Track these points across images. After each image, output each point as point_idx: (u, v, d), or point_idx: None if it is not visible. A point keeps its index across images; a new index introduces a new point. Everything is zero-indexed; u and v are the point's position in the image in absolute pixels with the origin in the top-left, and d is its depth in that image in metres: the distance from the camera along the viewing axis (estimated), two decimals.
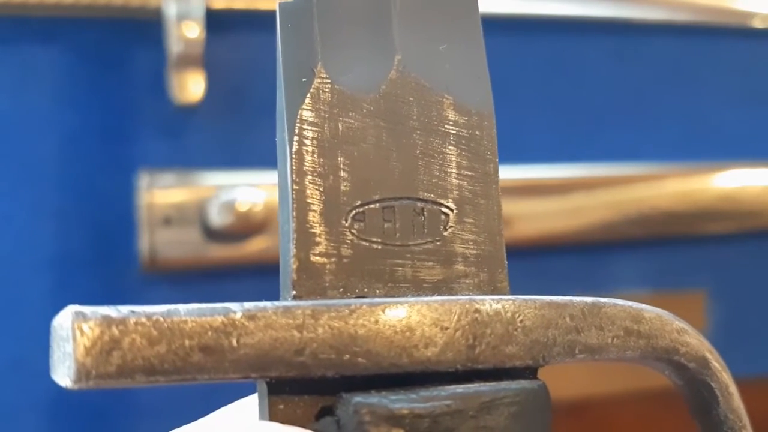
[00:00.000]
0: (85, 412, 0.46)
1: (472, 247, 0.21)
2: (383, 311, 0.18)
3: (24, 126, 0.45)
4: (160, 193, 0.46)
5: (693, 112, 0.58)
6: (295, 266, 0.20)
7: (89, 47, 0.46)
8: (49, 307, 0.45)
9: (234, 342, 0.17)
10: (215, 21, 0.45)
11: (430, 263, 0.20)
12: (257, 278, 0.48)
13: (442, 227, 0.21)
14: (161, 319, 0.17)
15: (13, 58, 0.45)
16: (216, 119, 0.47)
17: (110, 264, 0.46)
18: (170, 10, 0.44)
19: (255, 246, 0.47)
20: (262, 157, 0.48)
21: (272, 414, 0.18)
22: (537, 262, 0.53)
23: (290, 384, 0.18)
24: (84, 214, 0.46)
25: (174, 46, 0.44)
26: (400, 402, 0.18)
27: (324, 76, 0.21)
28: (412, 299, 0.19)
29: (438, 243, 0.21)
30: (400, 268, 0.20)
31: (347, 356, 0.18)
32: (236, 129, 0.48)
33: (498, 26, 0.53)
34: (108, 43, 0.46)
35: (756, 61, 0.59)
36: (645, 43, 0.56)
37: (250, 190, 0.46)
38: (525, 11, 0.52)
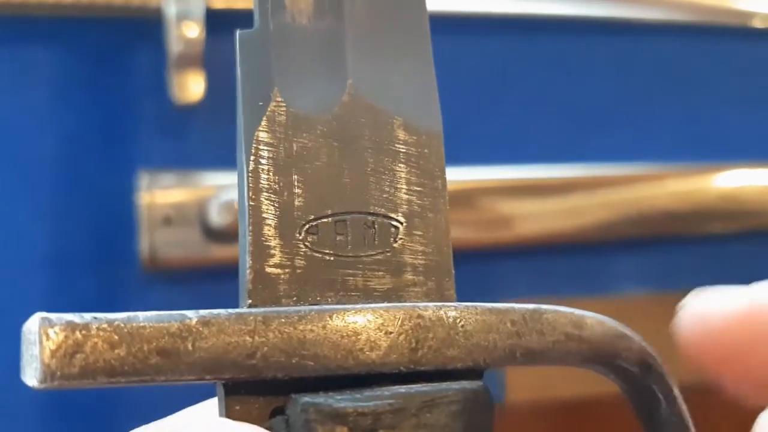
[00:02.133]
0: (85, 413, 0.46)
1: (420, 257, 0.22)
2: (331, 317, 0.20)
3: (24, 126, 0.45)
4: (160, 193, 0.46)
5: (693, 112, 0.58)
6: (250, 277, 0.21)
7: (89, 47, 0.46)
8: (49, 307, 0.45)
9: (189, 346, 0.19)
10: (215, 21, 0.45)
11: (380, 273, 0.22)
12: None
13: (392, 239, 0.22)
14: (122, 324, 0.19)
15: (13, 58, 0.45)
16: (216, 119, 0.47)
17: (110, 264, 0.46)
18: (170, 10, 0.44)
19: None
20: None
21: (229, 414, 0.20)
22: (537, 262, 0.53)
23: (245, 386, 0.20)
24: (84, 214, 0.46)
25: (174, 46, 0.44)
26: (344, 401, 0.19)
27: (279, 99, 0.22)
28: (359, 306, 0.20)
29: (388, 254, 0.22)
30: (352, 278, 0.21)
31: (296, 359, 0.19)
32: (236, 129, 0.48)
33: (498, 26, 0.53)
34: (108, 43, 0.46)
35: (756, 61, 0.59)
36: (645, 43, 0.56)
37: None
38: (525, 11, 0.52)
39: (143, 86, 0.46)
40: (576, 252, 0.54)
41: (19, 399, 0.45)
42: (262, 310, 0.20)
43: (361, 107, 0.22)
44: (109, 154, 0.46)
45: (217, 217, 0.45)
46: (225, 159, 0.48)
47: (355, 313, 0.20)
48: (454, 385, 0.20)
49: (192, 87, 0.45)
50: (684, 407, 0.23)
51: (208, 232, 0.46)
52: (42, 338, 0.19)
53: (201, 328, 0.19)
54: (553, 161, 0.54)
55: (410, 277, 0.22)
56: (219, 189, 0.46)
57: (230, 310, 0.20)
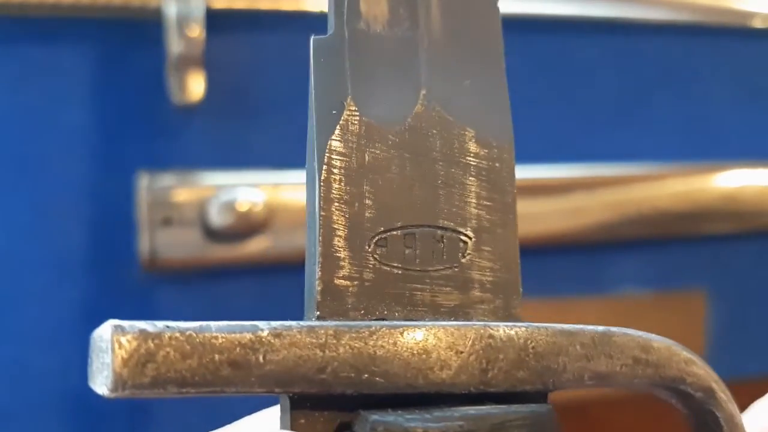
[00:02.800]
0: (85, 412, 0.46)
1: (488, 274, 0.22)
2: (401, 334, 0.19)
3: (24, 126, 0.45)
4: (160, 193, 0.46)
5: (693, 112, 0.58)
6: (319, 288, 0.21)
7: (89, 47, 0.46)
8: (49, 307, 0.45)
9: (260, 358, 0.19)
10: (215, 21, 0.45)
11: (448, 288, 0.21)
12: (257, 278, 0.48)
13: (460, 254, 0.22)
14: (194, 334, 0.18)
15: (13, 58, 0.45)
16: (216, 119, 0.47)
17: (110, 264, 0.46)
18: (170, 10, 0.44)
19: (255, 246, 0.47)
20: (262, 157, 0.48)
21: (293, 427, 0.19)
22: (537, 262, 0.53)
23: (311, 400, 0.19)
24: (84, 214, 0.46)
25: (174, 47, 0.44)
26: (414, 421, 0.19)
27: (353, 108, 0.22)
28: (429, 323, 0.20)
29: (456, 269, 0.22)
30: (419, 293, 0.21)
31: (366, 375, 0.19)
32: (236, 129, 0.48)
33: None
34: (108, 43, 0.46)
35: (756, 61, 0.59)
36: (645, 43, 0.56)
37: (250, 190, 0.46)
38: (525, 11, 0.52)
39: (143, 86, 0.46)
40: (576, 252, 0.54)
41: (19, 399, 0.45)
42: (333, 323, 0.19)
43: (433, 118, 0.22)
44: (109, 154, 0.46)
45: (217, 217, 0.45)
46: (225, 159, 0.48)
47: (426, 330, 0.20)
48: (524, 408, 0.20)
49: (192, 87, 0.45)
50: None
51: (208, 232, 0.46)
52: (114, 346, 0.18)
53: (273, 340, 0.19)
54: (553, 161, 0.54)
55: (478, 293, 0.22)
56: (219, 189, 0.46)
57: (302, 323, 0.19)
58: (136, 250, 0.46)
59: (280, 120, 0.48)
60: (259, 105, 0.48)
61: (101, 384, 0.18)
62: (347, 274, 0.21)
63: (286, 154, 0.47)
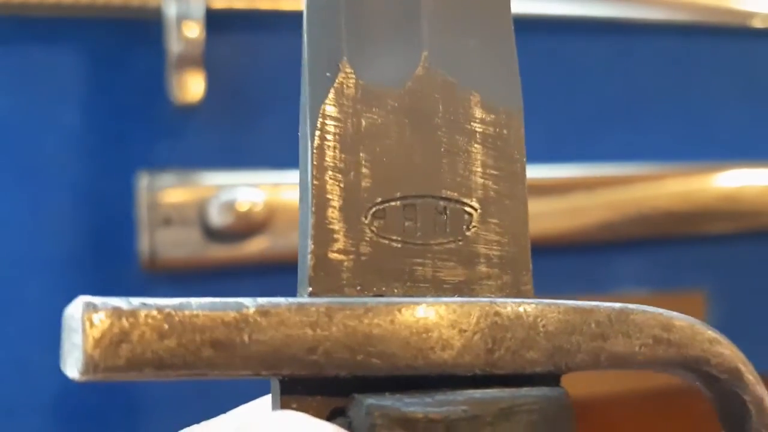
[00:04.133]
0: (85, 412, 0.46)
1: (495, 248, 0.20)
2: (400, 311, 0.18)
3: (24, 126, 0.45)
4: (160, 193, 0.46)
5: (693, 112, 0.58)
6: (312, 263, 0.19)
7: (89, 47, 0.46)
8: (49, 307, 0.45)
9: (246, 338, 0.17)
10: (215, 21, 0.45)
11: (452, 263, 0.20)
12: (257, 278, 0.48)
13: (464, 227, 0.20)
14: (172, 312, 0.17)
15: (13, 58, 0.45)
16: (216, 119, 0.47)
17: (110, 264, 0.46)
18: (170, 10, 0.44)
19: (255, 246, 0.47)
20: (262, 157, 0.48)
21: None
22: (537, 262, 0.53)
23: (303, 383, 0.18)
24: (84, 214, 0.46)
25: (174, 46, 0.44)
26: (414, 405, 0.18)
27: (348, 71, 0.20)
28: (430, 299, 0.18)
29: (460, 243, 0.20)
30: (420, 268, 0.20)
31: (361, 356, 0.18)
32: (236, 129, 0.48)
33: None
34: (108, 43, 0.46)
35: (756, 61, 0.59)
36: (645, 43, 0.56)
37: (250, 190, 0.46)
38: (525, 11, 0.52)
39: (143, 86, 0.46)
40: (576, 252, 0.54)
41: (19, 399, 0.45)
42: (325, 300, 0.18)
43: (435, 81, 0.21)
44: (110, 154, 0.46)
45: (217, 217, 0.45)
46: (225, 159, 0.48)
47: (427, 307, 0.18)
48: (534, 392, 0.18)
49: (192, 87, 0.45)
50: None
51: (208, 232, 0.46)
52: (85, 325, 0.16)
53: (259, 319, 0.17)
54: (553, 161, 0.54)
55: (484, 269, 0.20)
56: (219, 189, 0.46)
57: (291, 299, 0.18)
58: (136, 250, 0.46)
59: (280, 120, 0.48)
60: (259, 105, 0.48)
61: (72, 366, 0.17)
62: (342, 247, 0.19)
63: (286, 154, 0.47)
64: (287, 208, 0.47)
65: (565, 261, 0.54)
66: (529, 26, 0.53)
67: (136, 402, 0.47)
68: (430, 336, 0.18)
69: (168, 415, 0.47)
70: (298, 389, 0.18)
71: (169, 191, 0.46)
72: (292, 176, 0.52)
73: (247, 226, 0.46)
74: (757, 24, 0.58)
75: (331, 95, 0.20)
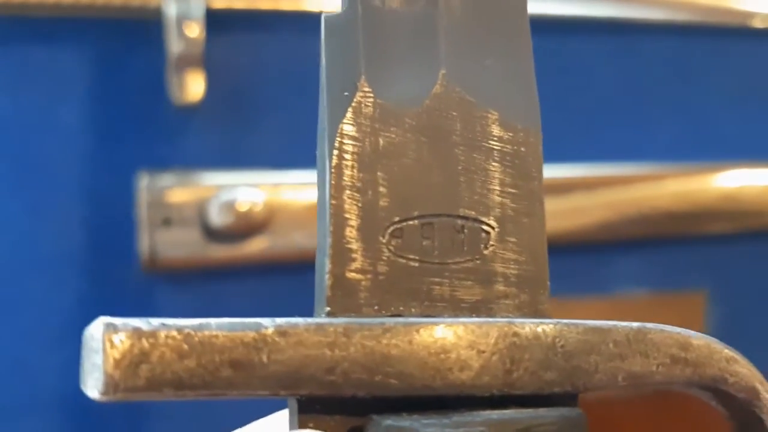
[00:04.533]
0: (86, 412, 0.46)
1: (513, 267, 0.20)
2: (418, 331, 0.18)
3: (24, 126, 0.45)
4: (160, 193, 0.46)
5: (693, 112, 0.58)
6: (329, 282, 0.19)
7: (89, 47, 0.46)
8: (49, 307, 0.45)
9: (264, 358, 0.17)
10: (215, 21, 0.45)
11: (469, 282, 0.20)
12: (257, 278, 0.48)
13: (482, 246, 0.20)
14: (192, 332, 0.17)
15: (13, 58, 0.45)
16: (216, 119, 0.47)
17: (110, 264, 0.46)
18: (170, 10, 0.44)
19: (255, 246, 0.47)
20: (262, 157, 0.48)
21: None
22: None
23: (320, 402, 0.18)
24: (84, 214, 0.46)
25: (174, 46, 0.44)
26: (431, 426, 0.17)
27: (367, 90, 0.20)
28: (448, 320, 0.18)
29: (478, 262, 0.20)
30: (438, 287, 0.20)
31: (379, 377, 0.18)
32: (236, 129, 0.48)
33: None
34: (108, 43, 0.46)
35: (756, 61, 0.59)
36: (645, 43, 0.56)
37: (250, 190, 0.46)
38: None
39: (143, 86, 0.46)
40: (576, 252, 0.54)
41: (19, 399, 0.45)
42: (343, 320, 0.18)
43: (453, 100, 0.21)
44: (109, 154, 0.46)
45: (217, 217, 0.45)
46: (225, 159, 0.48)
47: (445, 327, 0.18)
48: (552, 412, 0.18)
49: (192, 87, 0.45)
50: None
51: (208, 232, 0.46)
52: (106, 346, 0.17)
53: (277, 339, 0.17)
54: (553, 161, 0.54)
55: (501, 288, 0.20)
56: (219, 189, 0.46)
57: (309, 320, 0.18)
58: (136, 250, 0.46)
59: (280, 120, 0.48)
60: (259, 105, 0.48)
61: (92, 387, 0.17)
62: (360, 267, 0.19)
63: (286, 154, 0.47)
64: (287, 208, 0.47)
65: (565, 261, 0.54)
66: (530, 26, 0.53)
67: (137, 402, 0.47)
68: (448, 357, 0.18)
69: (169, 416, 0.47)
70: (315, 408, 0.18)
71: (169, 191, 0.46)
72: (292, 176, 0.52)
73: (247, 226, 0.46)
74: (757, 24, 0.58)
75: (349, 114, 0.20)
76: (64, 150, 0.45)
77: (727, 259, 0.59)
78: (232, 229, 0.46)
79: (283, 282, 0.48)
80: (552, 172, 0.54)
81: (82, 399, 0.49)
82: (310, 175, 0.52)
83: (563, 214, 0.53)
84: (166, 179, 0.46)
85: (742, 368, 0.20)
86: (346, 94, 0.20)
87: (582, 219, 0.54)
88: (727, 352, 0.20)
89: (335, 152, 0.20)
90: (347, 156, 0.20)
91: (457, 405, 0.18)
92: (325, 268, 0.19)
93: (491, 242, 0.20)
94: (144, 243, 0.45)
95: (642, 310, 0.56)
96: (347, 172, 0.20)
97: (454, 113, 0.21)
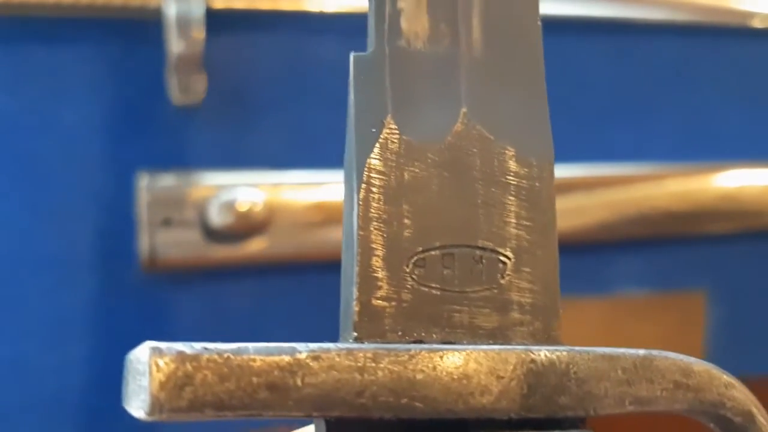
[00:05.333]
0: (86, 412, 0.46)
1: (527, 295, 0.22)
2: (441, 358, 0.19)
3: (23, 126, 0.45)
4: (160, 193, 0.46)
5: (693, 112, 0.58)
6: (357, 309, 0.20)
7: (89, 47, 0.46)
8: (49, 307, 0.45)
9: (299, 381, 0.18)
10: (215, 21, 0.45)
11: (487, 310, 0.21)
12: (257, 278, 0.48)
13: (499, 275, 0.22)
14: (231, 356, 0.18)
15: (13, 58, 0.44)
16: (216, 119, 0.47)
17: (110, 264, 0.46)
18: (170, 10, 0.44)
19: (255, 246, 0.47)
20: (262, 157, 0.48)
21: None
22: None
23: (347, 424, 0.19)
24: (84, 214, 0.46)
25: (174, 47, 0.44)
26: None
27: (393, 127, 0.21)
28: (470, 347, 0.20)
29: (495, 291, 0.21)
30: (458, 314, 0.21)
31: (405, 400, 0.19)
32: (236, 129, 0.48)
33: None
34: (108, 43, 0.46)
35: (756, 61, 0.59)
36: (645, 43, 0.56)
37: (250, 190, 0.46)
38: None
39: (143, 87, 0.46)
40: (576, 252, 0.54)
41: (19, 399, 0.45)
42: (372, 346, 0.19)
43: (473, 137, 0.22)
44: (109, 154, 0.46)
45: (217, 218, 0.45)
46: (225, 159, 0.48)
47: (467, 354, 0.19)
48: None
49: (192, 87, 0.45)
50: None
51: (208, 233, 0.46)
52: (152, 369, 0.18)
53: (311, 363, 0.18)
54: (554, 161, 0.54)
55: (517, 315, 0.22)
56: (219, 189, 0.46)
57: (340, 345, 0.19)
58: (136, 250, 0.46)
59: (280, 120, 0.48)
60: (259, 105, 0.48)
61: (138, 407, 0.18)
62: (385, 294, 0.21)
63: (286, 154, 0.47)
64: (287, 208, 0.47)
65: (565, 261, 0.54)
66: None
67: None
68: (470, 382, 0.19)
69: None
70: (343, 430, 0.19)
71: (169, 191, 0.46)
72: (292, 176, 0.52)
73: (247, 226, 0.46)
74: (757, 24, 0.58)
75: (376, 150, 0.21)
76: (64, 150, 0.45)
77: (727, 259, 0.59)
78: (232, 229, 0.46)
79: (283, 282, 0.48)
80: None
81: (82, 399, 0.49)
82: (310, 175, 0.52)
83: (563, 214, 0.53)
84: (166, 179, 0.46)
85: (738, 393, 0.22)
86: (373, 130, 0.21)
87: (582, 219, 0.54)
88: (726, 377, 0.22)
89: (363, 186, 0.21)
90: (374, 189, 0.21)
91: (477, 427, 0.19)
92: (352, 295, 0.21)
93: (507, 272, 0.22)
94: (144, 243, 0.45)
95: (642, 310, 0.56)
96: (374, 204, 0.21)
97: (474, 149, 0.22)
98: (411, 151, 0.21)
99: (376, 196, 0.21)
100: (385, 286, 0.21)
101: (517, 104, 0.23)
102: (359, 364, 0.18)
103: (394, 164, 0.21)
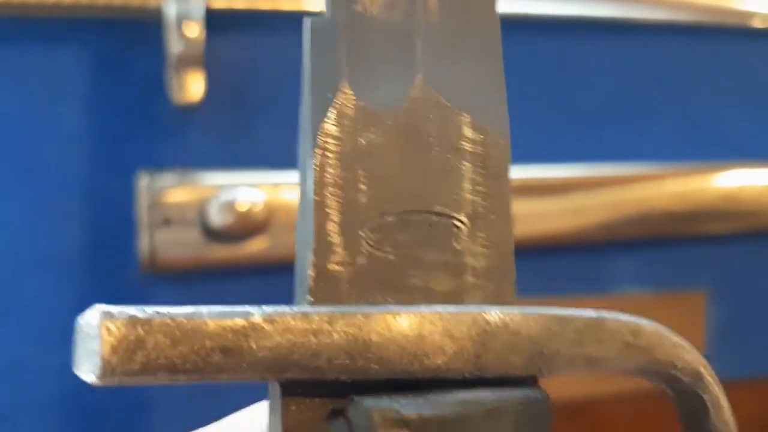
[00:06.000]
0: (86, 412, 0.46)
1: (482, 260, 0.22)
2: (395, 319, 0.19)
3: (24, 126, 0.45)
4: (160, 193, 0.46)
5: (693, 112, 0.58)
6: (313, 274, 0.20)
7: (89, 47, 0.46)
8: (49, 307, 0.45)
9: (253, 345, 0.18)
10: (215, 21, 0.45)
11: (442, 274, 0.21)
12: (257, 278, 0.48)
13: (454, 240, 0.22)
14: (184, 320, 0.18)
15: (13, 58, 0.45)
16: (216, 119, 0.47)
17: (110, 264, 0.46)
18: (170, 10, 0.44)
19: (255, 246, 0.47)
20: (262, 157, 0.48)
21: (284, 414, 0.19)
22: (537, 262, 0.53)
23: (303, 386, 0.19)
24: (84, 214, 0.46)
25: (174, 47, 0.44)
26: (409, 406, 0.19)
27: (348, 92, 0.21)
28: (425, 309, 0.20)
29: (450, 255, 0.21)
30: (413, 279, 0.21)
31: (361, 362, 0.19)
32: (236, 129, 0.48)
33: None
34: (108, 43, 0.46)
35: (756, 61, 0.59)
36: (645, 43, 0.56)
37: (250, 190, 0.46)
38: (525, 11, 0.52)
39: (143, 86, 0.46)
40: (576, 252, 0.54)
41: (19, 399, 0.45)
42: (326, 309, 0.19)
43: (429, 103, 0.22)
44: (109, 154, 0.46)
45: (217, 218, 0.45)
46: (225, 159, 0.48)
47: (422, 316, 0.19)
48: (517, 393, 0.20)
49: (192, 87, 0.45)
50: (731, 417, 0.23)
51: (208, 233, 0.46)
52: (103, 333, 0.18)
53: (265, 326, 0.18)
54: (553, 161, 0.54)
55: (471, 279, 0.22)
56: (219, 189, 0.46)
57: (295, 308, 0.19)
58: (135, 250, 0.46)
59: (280, 120, 0.48)
60: (259, 105, 0.48)
61: (88, 371, 0.18)
62: (340, 259, 0.21)
63: (286, 154, 0.47)
64: (287, 208, 0.47)
65: (565, 261, 0.54)
66: (530, 26, 0.53)
67: (137, 402, 0.47)
68: (424, 343, 0.19)
69: (168, 416, 0.47)
70: (298, 391, 0.19)
71: (169, 191, 0.46)
72: (292, 176, 0.52)
73: (247, 226, 0.46)
74: (757, 24, 0.58)
75: (331, 115, 0.21)
76: (64, 150, 0.45)
77: (727, 259, 0.59)
78: (232, 229, 0.46)
79: (283, 282, 0.48)
80: (552, 172, 0.54)
81: (82, 399, 0.49)
82: None
83: (563, 214, 0.53)
84: (166, 179, 0.46)
85: (687, 354, 0.22)
86: (328, 95, 0.21)
87: (582, 219, 0.54)
88: (675, 338, 0.22)
89: (318, 151, 0.21)
90: (330, 155, 0.21)
91: (431, 386, 0.19)
92: (307, 260, 0.20)
93: (463, 237, 0.22)
94: (144, 243, 0.45)
95: (642, 310, 0.56)
96: (329, 170, 0.21)
97: (430, 116, 0.22)
98: (367, 116, 0.21)
99: (332, 161, 0.21)
100: (341, 251, 0.21)
101: (473, 72, 0.23)
102: (314, 327, 0.19)
103: (349, 130, 0.21)
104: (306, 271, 0.21)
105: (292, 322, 0.18)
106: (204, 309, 0.18)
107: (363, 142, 0.21)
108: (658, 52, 0.56)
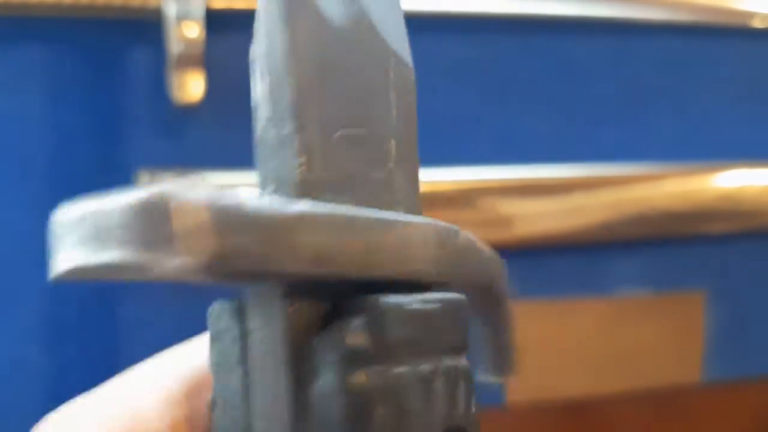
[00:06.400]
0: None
1: (405, 178, 0.24)
2: (401, 228, 0.21)
3: (23, 126, 0.45)
4: None
5: (693, 112, 0.58)
6: (299, 179, 0.22)
7: (89, 47, 0.46)
8: (49, 307, 0.45)
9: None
10: (215, 21, 0.45)
11: (381, 192, 0.23)
12: None
13: (391, 161, 0.24)
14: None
15: (13, 58, 0.45)
16: (216, 119, 0.47)
17: None
18: (170, 10, 0.44)
19: None
20: None
21: (285, 315, 0.21)
22: (537, 262, 0.53)
23: (300, 288, 0.21)
24: None
25: (174, 46, 0.44)
26: (415, 303, 0.21)
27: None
28: (417, 219, 0.22)
29: (388, 173, 0.24)
30: (370, 191, 0.23)
31: (374, 262, 0.21)
32: (236, 129, 0.48)
33: (498, 26, 0.53)
34: (108, 43, 0.46)
35: (756, 61, 0.59)
36: (645, 43, 0.56)
37: (249, 190, 0.46)
38: (525, 11, 0.52)
39: (143, 86, 0.46)
40: (576, 252, 0.54)
41: (19, 399, 0.45)
42: (342, 210, 0.21)
43: (368, 30, 0.24)
44: (109, 154, 0.46)
45: None
46: (225, 159, 0.48)
47: (405, 226, 0.22)
48: (453, 294, 0.23)
49: (192, 87, 0.45)
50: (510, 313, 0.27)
51: None
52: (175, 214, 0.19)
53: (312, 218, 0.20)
54: (553, 161, 0.54)
55: (401, 195, 0.24)
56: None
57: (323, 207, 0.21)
58: None
59: None
60: None
61: (167, 254, 0.19)
62: (321, 165, 0.22)
63: None
64: None
65: (565, 261, 0.54)
66: (530, 26, 0.53)
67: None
68: (411, 249, 0.22)
69: None
70: (297, 293, 0.21)
71: None
72: None
73: None
74: (757, 24, 0.58)
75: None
76: (64, 149, 0.45)
77: (726, 259, 0.59)
78: None
79: None
80: (552, 172, 0.54)
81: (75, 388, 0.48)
82: None
83: (563, 214, 0.53)
84: (166, 179, 0.46)
85: (500, 267, 0.26)
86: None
87: (582, 219, 0.54)
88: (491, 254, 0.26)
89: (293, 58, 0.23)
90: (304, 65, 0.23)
91: (401, 288, 0.21)
92: (295, 165, 0.23)
93: (394, 158, 0.24)
94: None
95: (642, 311, 0.56)
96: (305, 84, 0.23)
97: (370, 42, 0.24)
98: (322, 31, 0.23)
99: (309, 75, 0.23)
100: (320, 159, 0.22)
101: (387, 9, 0.25)
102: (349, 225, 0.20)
103: (314, 43, 0.23)
104: (294, 175, 0.23)
105: (327, 219, 0.20)
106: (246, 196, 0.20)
107: (320, 60, 0.23)
108: (658, 52, 0.56)
